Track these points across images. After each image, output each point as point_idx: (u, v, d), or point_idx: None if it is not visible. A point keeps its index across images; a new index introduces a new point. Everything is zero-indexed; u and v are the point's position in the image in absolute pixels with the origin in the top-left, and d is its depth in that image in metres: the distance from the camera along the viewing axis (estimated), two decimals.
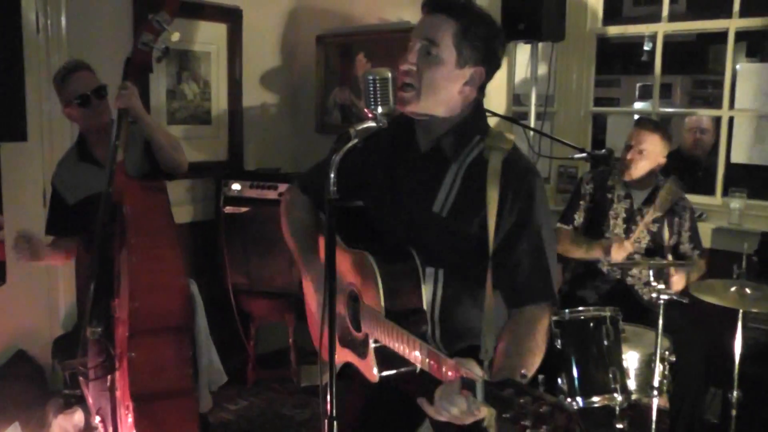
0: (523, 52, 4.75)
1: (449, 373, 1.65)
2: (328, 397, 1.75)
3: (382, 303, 1.92)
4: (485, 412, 1.55)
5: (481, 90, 2.10)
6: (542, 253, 1.98)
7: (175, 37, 3.15)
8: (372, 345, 1.96)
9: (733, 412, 3.31)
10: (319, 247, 2.31)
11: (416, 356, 1.78)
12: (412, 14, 4.81)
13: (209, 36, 4.89)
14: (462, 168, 2.04)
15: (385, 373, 1.95)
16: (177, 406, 2.87)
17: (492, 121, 4.39)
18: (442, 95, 2.01)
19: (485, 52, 2.02)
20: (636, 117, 4.29)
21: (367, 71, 1.85)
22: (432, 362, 1.72)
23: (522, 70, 4.83)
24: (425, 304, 1.98)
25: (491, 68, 2.07)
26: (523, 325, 1.93)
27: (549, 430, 1.34)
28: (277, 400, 4.65)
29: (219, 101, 5.05)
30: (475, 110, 2.11)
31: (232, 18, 5.00)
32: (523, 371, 1.74)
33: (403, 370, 1.93)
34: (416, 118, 2.06)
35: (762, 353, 3.62)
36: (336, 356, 1.80)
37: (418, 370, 1.82)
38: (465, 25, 1.98)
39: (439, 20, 1.99)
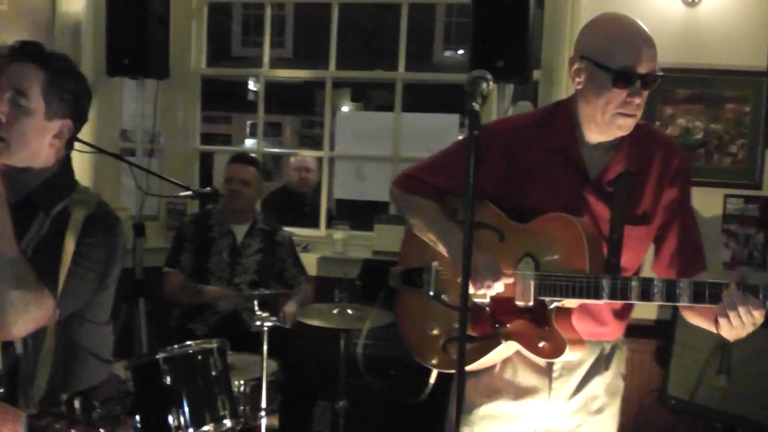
0: (130, 87, 4.71)
1: None
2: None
3: None
4: None
5: (69, 144, 2.11)
6: (86, 279, 2.04)
7: None
8: None
9: (341, 421, 3.64)
10: None
11: None
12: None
13: None
14: (48, 219, 2.04)
15: None
16: None
17: (99, 158, 4.31)
18: (33, 147, 1.99)
19: (74, 105, 2.05)
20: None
21: None
22: None
23: (130, 106, 4.78)
24: None
25: (79, 122, 2.09)
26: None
27: None
28: None
29: None
30: (65, 165, 2.11)
31: None
32: (63, 396, 1.76)
33: None
34: (8, 169, 2.00)
35: (372, 364, 3.97)
36: None
37: None
38: (54, 76, 1.99)
39: (27, 69, 1.97)
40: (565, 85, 4.04)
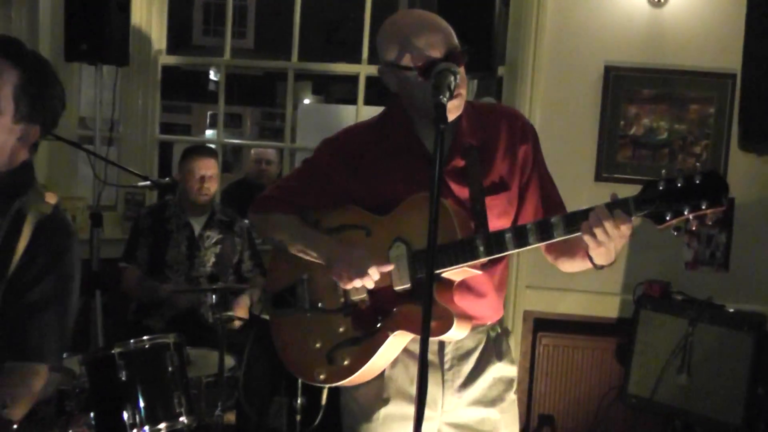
0: (88, 73, 4.60)
1: None
2: None
3: None
4: None
5: (33, 149, 2.01)
6: (61, 316, 1.95)
7: None
8: None
9: (298, 418, 3.57)
10: None
11: None
12: None
13: None
14: (6, 221, 1.93)
15: None
16: None
17: (55, 146, 4.20)
18: None
19: (44, 112, 1.94)
20: (188, 147, 4.37)
21: None
22: None
23: (88, 92, 4.68)
24: None
25: (46, 129, 1.99)
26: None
27: None
28: None
29: None
30: (25, 167, 2.01)
31: None
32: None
33: None
34: None
35: None
36: None
37: None
38: (28, 78, 1.88)
39: (1, 66, 1.86)
40: (529, 81, 4.04)
